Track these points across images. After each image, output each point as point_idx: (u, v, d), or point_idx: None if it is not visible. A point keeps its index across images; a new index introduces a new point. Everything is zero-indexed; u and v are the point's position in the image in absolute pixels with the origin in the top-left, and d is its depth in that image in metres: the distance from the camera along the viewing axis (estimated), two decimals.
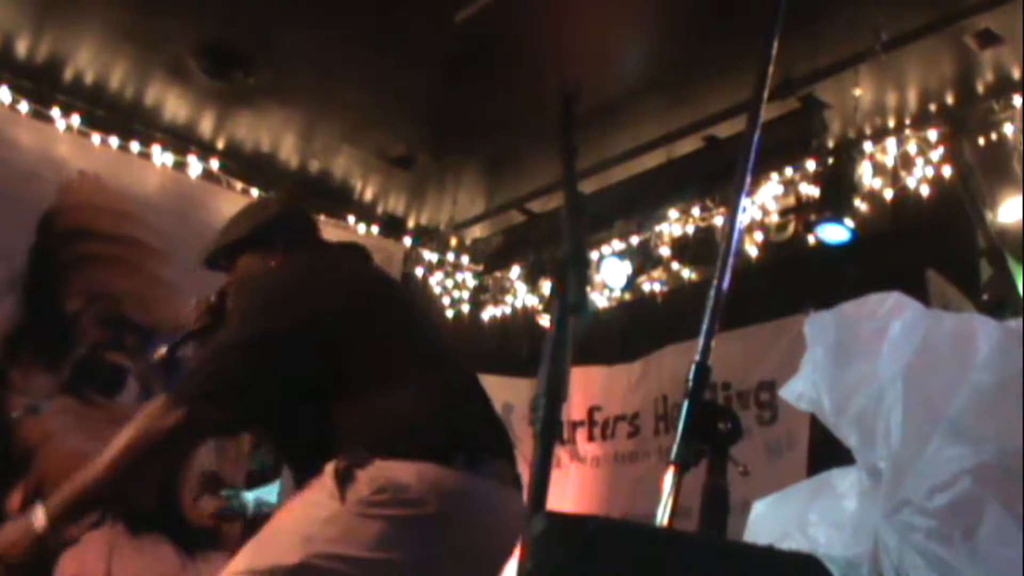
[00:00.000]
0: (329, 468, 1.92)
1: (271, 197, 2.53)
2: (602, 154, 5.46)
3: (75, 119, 5.32)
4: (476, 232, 6.73)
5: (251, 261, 2.30)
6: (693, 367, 1.58)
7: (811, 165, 5.17)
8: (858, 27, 4.38)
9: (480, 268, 6.81)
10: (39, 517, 1.96)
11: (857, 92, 4.75)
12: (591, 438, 6.07)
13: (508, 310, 6.65)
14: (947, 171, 4.86)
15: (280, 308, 2.06)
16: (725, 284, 1.62)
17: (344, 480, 1.89)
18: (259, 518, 3.73)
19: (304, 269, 2.19)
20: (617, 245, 6.05)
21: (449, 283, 6.74)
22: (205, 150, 5.65)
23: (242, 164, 5.77)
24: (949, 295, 4.42)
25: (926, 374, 1.72)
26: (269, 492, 3.98)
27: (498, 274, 6.72)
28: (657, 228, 5.93)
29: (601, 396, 6.08)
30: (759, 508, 2.01)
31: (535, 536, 1.26)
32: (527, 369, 4.90)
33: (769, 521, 1.96)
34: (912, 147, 4.97)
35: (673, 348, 5.61)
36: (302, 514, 1.94)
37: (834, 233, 4.97)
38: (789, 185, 5.33)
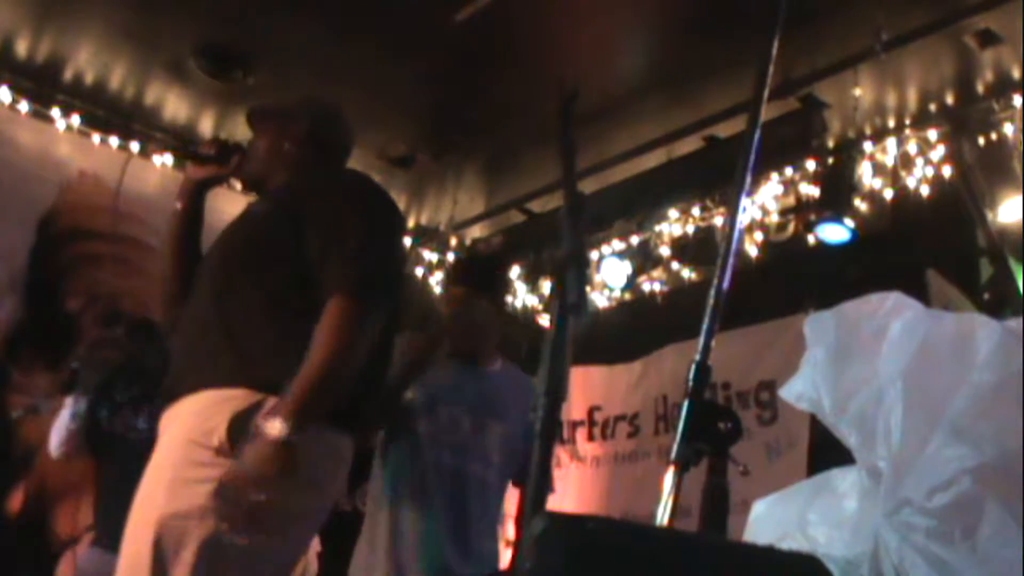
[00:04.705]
0: None
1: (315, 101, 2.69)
2: (602, 154, 5.46)
3: (75, 119, 5.32)
4: (476, 232, 6.73)
5: (275, 130, 2.48)
6: (693, 367, 1.58)
7: (811, 165, 5.17)
8: (858, 27, 4.38)
9: None
10: (278, 428, 1.93)
11: (857, 92, 4.75)
12: (591, 438, 6.07)
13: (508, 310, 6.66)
14: (947, 171, 4.86)
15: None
16: (725, 284, 1.62)
17: None
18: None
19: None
20: (617, 245, 6.05)
21: None
22: None
23: None
24: (949, 295, 4.42)
25: (926, 374, 1.72)
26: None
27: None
28: (657, 228, 5.93)
29: (601, 396, 6.07)
30: (759, 508, 2.01)
31: (535, 536, 1.26)
32: (527, 369, 4.90)
33: (769, 521, 1.96)
34: (912, 147, 4.97)
35: (673, 348, 5.61)
36: None
37: (834, 233, 4.97)
38: (789, 185, 5.33)
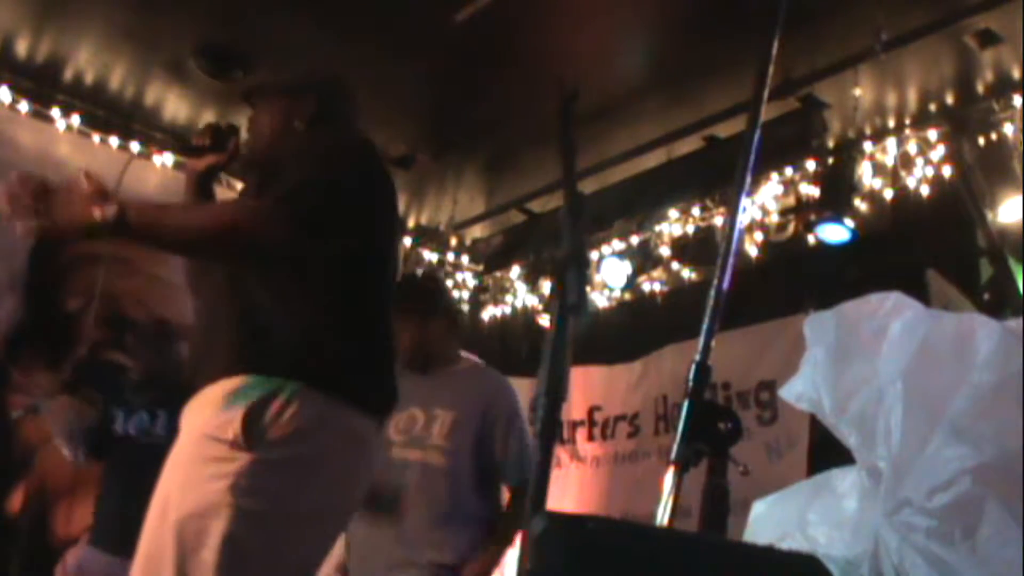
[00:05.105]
0: None
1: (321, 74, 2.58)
2: (602, 154, 5.46)
3: (75, 119, 5.31)
4: (476, 232, 6.73)
5: (281, 108, 2.37)
6: (693, 367, 1.58)
7: (811, 165, 5.17)
8: (858, 27, 4.38)
9: (480, 268, 6.81)
10: (108, 207, 2.01)
11: (857, 92, 4.75)
12: (591, 438, 6.07)
13: (508, 310, 6.66)
14: (947, 171, 4.86)
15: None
16: (725, 284, 1.62)
17: None
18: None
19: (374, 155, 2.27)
20: (617, 245, 6.05)
21: (449, 283, 6.74)
22: None
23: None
24: (949, 295, 4.42)
25: (926, 374, 1.72)
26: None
27: (498, 274, 6.73)
28: (657, 228, 5.93)
29: (601, 396, 6.07)
30: (759, 508, 2.02)
31: (535, 536, 1.26)
32: (527, 369, 4.91)
33: (769, 521, 1.96)
34: (912, 147, 4.97)
35: (673, 348, 5.61)
36: None
37: (834, 233, 4.97)
38: (789, 185, 5.33)
